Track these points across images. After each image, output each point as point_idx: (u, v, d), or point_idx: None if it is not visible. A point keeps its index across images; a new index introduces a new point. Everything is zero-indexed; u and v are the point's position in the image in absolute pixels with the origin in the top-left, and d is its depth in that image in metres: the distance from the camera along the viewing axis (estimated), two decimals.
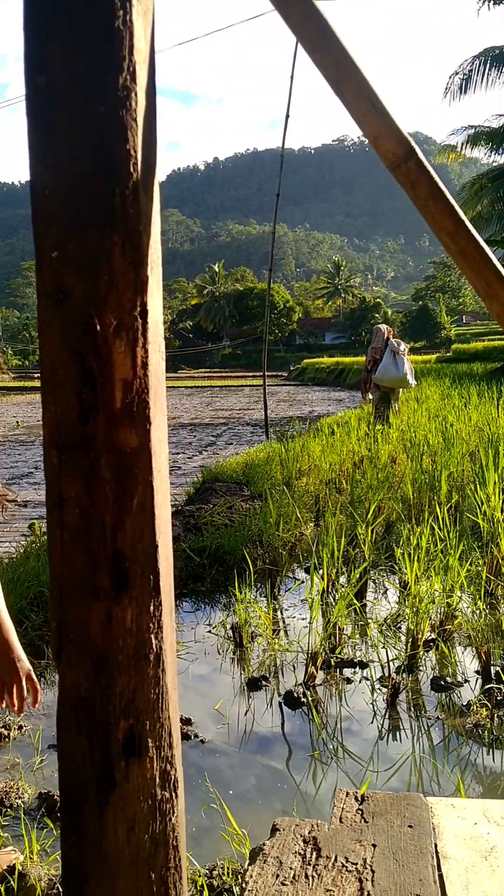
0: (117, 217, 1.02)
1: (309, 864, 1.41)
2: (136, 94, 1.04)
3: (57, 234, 1.03)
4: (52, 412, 1.06)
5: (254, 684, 3.68)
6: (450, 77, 24.53)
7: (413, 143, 1.37)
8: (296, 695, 3.49)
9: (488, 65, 23.40)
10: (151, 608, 1.10)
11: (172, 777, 1.14)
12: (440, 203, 1.38)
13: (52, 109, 1.02)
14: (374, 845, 1.46)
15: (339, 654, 3.90)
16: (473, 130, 25.70)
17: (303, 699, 3.47)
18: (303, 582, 5.19)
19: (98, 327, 1.03)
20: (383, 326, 11.37)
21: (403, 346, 10.93)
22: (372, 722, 3.32)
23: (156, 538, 1.11)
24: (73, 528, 1.06)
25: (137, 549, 1.09)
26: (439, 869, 1.40)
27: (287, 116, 10.33)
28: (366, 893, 1.32)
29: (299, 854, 1.44)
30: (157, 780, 1.12)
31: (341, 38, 1.32)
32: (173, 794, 1.15)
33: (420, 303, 77.17)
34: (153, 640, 1.11)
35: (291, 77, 9.72)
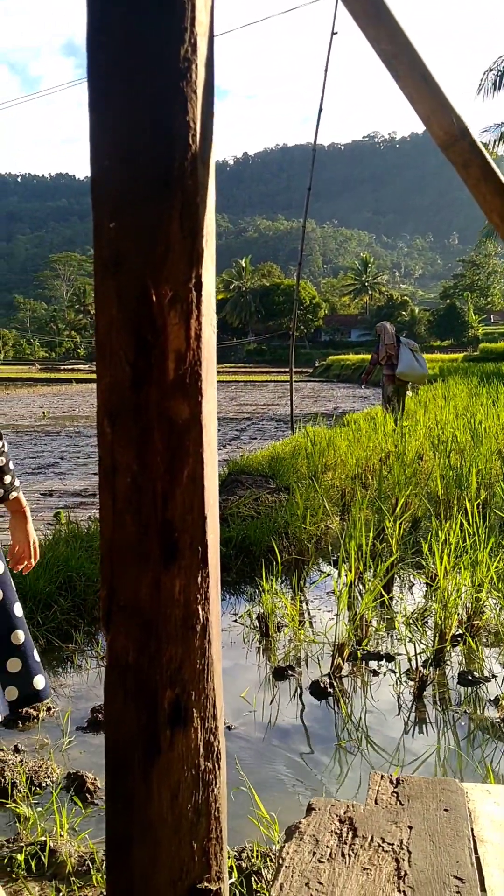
0: (175, 188, 1.03)
1: (345, 843, 1.42)
2: (196, 67, 1.04)
3: (115, 204, 1.03)
4: (106, 381, 1.07)
5: (279, 674, 3.69)
6: (484, 73, 24.33)
7: (466, 123, 1.36)
8: (322, 685, 3.49)
9: None
10: (199, 579, 1.11)
11: (215, 748, 1.15)
12: (492, 184, 1.37)
13: (112, 78, 1.02)
14: (409, 827, 1.46)
15: (366, 646, 3.89)
16: None
17: (329, 689, 3.47)
18: (328, 575, 5.19)
19: (154, 298, 1.04)
20: (389, 325, 11.86)
21: (415, 345, 11.72)
22: (398, 714, 3.31)
23: (205, 510, 1.11)
24: (124, 495, 1.07)
25: (187, 520, 1.09)
26: (476, 852, 1.40)
27: (320, 109, 10.29)
28: (403, 873, 1.32)
29: (335, 833, 1.45)
30: (201, 750, 1.13)
31: (395, 12, 1.31)
32: (216, 766, 1.15)
33: (448, 301, 76.69)
34: (200, 612, 1.11)
35: (326, 69, 9.68)
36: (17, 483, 2.27)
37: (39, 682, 2.17)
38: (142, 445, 1.07)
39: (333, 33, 9.73)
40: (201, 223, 1.07)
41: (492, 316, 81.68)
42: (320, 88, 10.30)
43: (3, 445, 2.18)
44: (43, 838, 2.34)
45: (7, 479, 2.22)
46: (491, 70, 24.07)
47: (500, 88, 23.54)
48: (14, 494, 2.27)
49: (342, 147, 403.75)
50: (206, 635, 1.12)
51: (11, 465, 2.25)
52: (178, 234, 1.04)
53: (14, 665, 2.13)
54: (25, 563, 2.39)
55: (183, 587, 1.10)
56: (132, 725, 1.09)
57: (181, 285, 1.05)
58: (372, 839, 1.42)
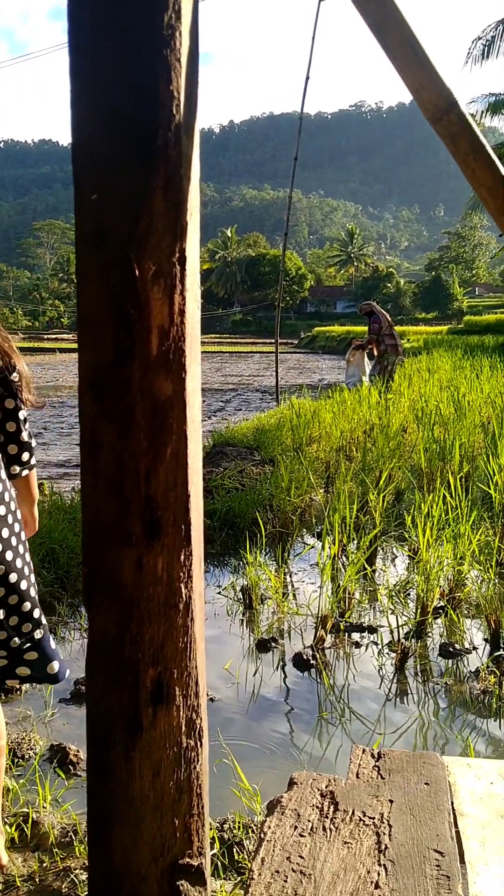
0: (159, 158, 1.01)
1: (326, 817, 1.43)
2: (180, 34, 1.01)
3: (98, 175, 1.01)
4: (89, 356, 1.05)
5: (263, 646, 3.70)
6: (472, 42, 24.02)
7: (455, 96, 1.34)
8: (305, 657, 3.51)
9: None
10: (182, 557, 1.10)
11: (198, 726, 1.15)
12: (481, 158, 1.35)
13: (94, 46, 1.00)
14: (391, 801, 1.47)
15: (349, 618, 3.92)
16: (494, 98, 25.22)
17: (312, 661, 3.49)
18: (312, 547, 5.20)
19: (137, 272, 1.02)
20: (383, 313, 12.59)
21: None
22: (380, 686, 3.34)
23: (188, 488, 1.10)
24: (107, 474, 1.06)
25: (170, 498, 1.08)
26: (456, 826, 1.42)
27: (307, 78, 10.16)
28: (383, 847, 1.33)
29: (317, 807, 1.46)
30: (183, 728, 1.13)
31: None
32: (198, 743, 1.16)
33: (433, 273, 76.48)
34: (183, 590, 1.11)
35: (313, 37, 9.54)
36: (33, 461, 2.21)
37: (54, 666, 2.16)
38: (125, 422, 1.05)
39: (321, 0, 9.58)
40: (186, 196, 1.05)
41: (476, 288, 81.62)
42: (307, 56, 10.16)
43: (23, 417, 2.10)
44: (25, 810, 2.35)
45: (25, 456, 2.15)
46: (480, 39, 23.77)
47: (488, 58, 23.27)
48: (25, 472, 2.21)
49: (329, 116, 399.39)
50: (188, 613, 1.12)
51: (34, 442, 2.18)
52: (161, 207, 1.02)
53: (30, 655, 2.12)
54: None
55: (166, 565, 1.09)
56: (114, 704, 1.08)
57: (165, 259, 1.03)
58: (353, 813, 1.44)
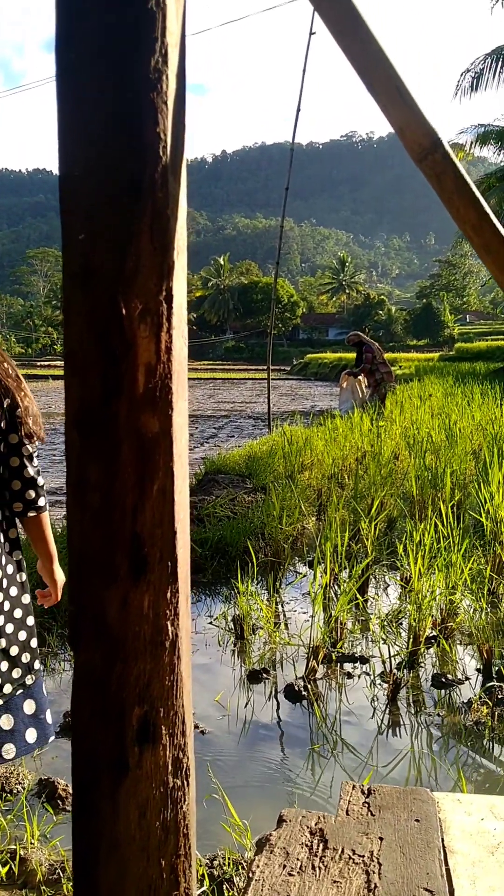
0: (146, 199, 1.02)
1: (316, 856, 1.41)
2: (167, 77, 1.03)
3: (85, 216, 1.02)
4: (75, 394, 1.05)
5: (254, 677, 3.68)
6: (461, 74, 24.39)
7: (440, 135, 1.36)
8: (296, 688, 3.49)
9: (500, 63, 23.27)
10: (168, 594, 1.10)
11: (185, 765, 1.14)
12: (465, 196, 1.37)
13: (82, 89, 1.01)
14: (381, 838, 1.45)
15: (341, 648, 3.90)
16: (483, 129, 25.58)
17: (303, 692, 3.47)
18: (304, 576, 5.19)
19: (123, 310, 1.02)
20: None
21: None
22: (372, 717, 3.32)
23: (175, 524, 1.10)
24: (93, 510, 1.06)
25: (156, 534, 1.08)
26: (446, 863, 1.40)
27: (298, 109, 10.29)
28: (373, 886, 1.32)
29: (306, 845, 1.44)
30: (170, 767, 1.11)
31: (369, 23, 1.30)
32: (185, 783, 1.14)
33: (424, 301, 77.01)
34: (169, 627, 1.10)
35: (304, 69, 9.68)
36: (42, 502, 2.10)
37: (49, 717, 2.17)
38: (111, 459, 1.05)
39: (311, 33, 9.74)
40: (172, 236, 1.06)
41: (467, 316, 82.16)
42: (298, 87, 10.31)
43: (34, 453, 2.04)
44: (13, 846, 2.32)
45: (31, 493, 2.08)
46: (468, 71, 24.15)
47: (476, 90, 23.63)
48: (33, 514, 2.11)
49: (320, 146, 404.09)
50: (175, 651, 1.11)
51: (41, 480, 2.10)
52: (148, 247, 1.03)
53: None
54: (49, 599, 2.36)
55: (152, 602, 1.09)
56: (100, 743, 1.07)
57: (152, 298, 1.04)
58: (343, 851, 1.42)
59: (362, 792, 1.63)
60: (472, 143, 25.69)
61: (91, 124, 1.01)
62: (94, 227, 1.02)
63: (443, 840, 1.48)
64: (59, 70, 1.02)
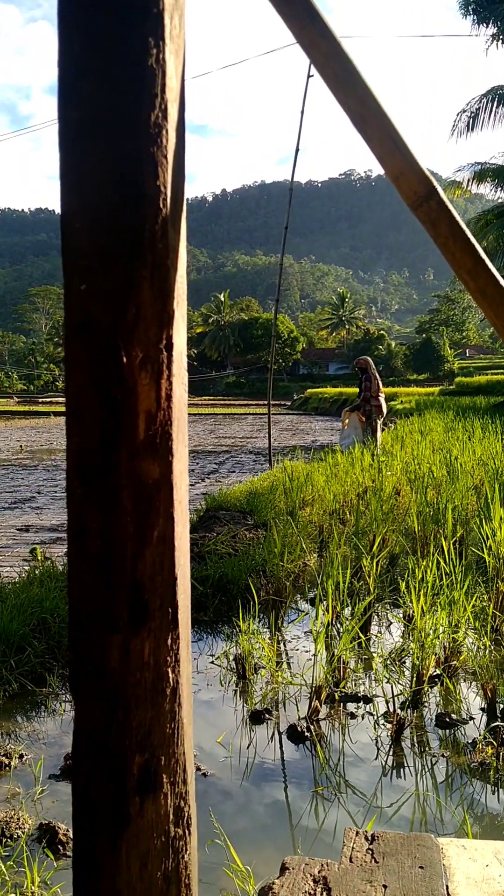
0: (146, 251, 1.03)
1: None
2: (166, 131, 1.05)
3: (86, 267, 1.04)
4: (76, 441, 1.06)
5: (256, 717, 3.65)
6: (457, 114, 24.83)
7: (434, 182, 1.38)
8: (299, 729, 3.45)
9: (496, 103, 23.69)
10: (169, 641, 1.10)
11: (186, 814, 1.13)
12: (460, 242, 1.39)
13: (84, 144, 1.03)
14: (384, 886, 1.43)
15: (343, 688, 3.86)
16: (480, 167, 25.95)
17: (306, 734, 3.43)
18: (307, 613, 5.16)
19: (124, 359, 1.04)
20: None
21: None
22: (376, 758, 3.28)
23: (175, 570, 1.10)
24: (93, 558, 1.06)
25: (157, 581, 1.08)
26: None
27: (297, 150, 10.45)
28: None
29: (309, 894, 1.42)
30: (171, 816, 1.10)
31: (365, 77, 1.34)
32: (186, 832, 1.13)
33: (424, 335, 77.47)
34: (170, 674, 1.10)
35: (302, 112, 9.85)
36: None
37: None
38: (111, 506, 1.06)
39: (310, 76, 9.93)
40: (172, 286, 1.07)
41: (467, 350, 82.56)
42: (297, 127, 10.48)
43: None
44: (13, 894, 2.28)
45: None
46: (464, 111, 24.58)
47: (473, 129, 24.03)
48: None
49: (319, 184, 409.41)
50: (176, 698, 1.11)
51: None
52: (148, 298, 1.04)
53: None
54: None
55: (153, 650, 1.08)
56: (100, 793, 1.07)
57: (152, 347, 1.06)
58: None
59: (366, 838, 1.61)
60: (469, 180, 26.07)
61: (92, 178, 1.03)
62: (95, 278, 1.03)
63: (447, 887, 1.45)
64: (62, 125, 1.05)
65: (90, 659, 1.06)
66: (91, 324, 1.04)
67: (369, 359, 13.01)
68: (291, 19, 1.31)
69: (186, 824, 1.13)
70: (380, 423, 12.54)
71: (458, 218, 1.39)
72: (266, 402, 13.59)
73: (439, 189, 1.38)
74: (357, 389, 13.38)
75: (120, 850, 1.08)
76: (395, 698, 3.60)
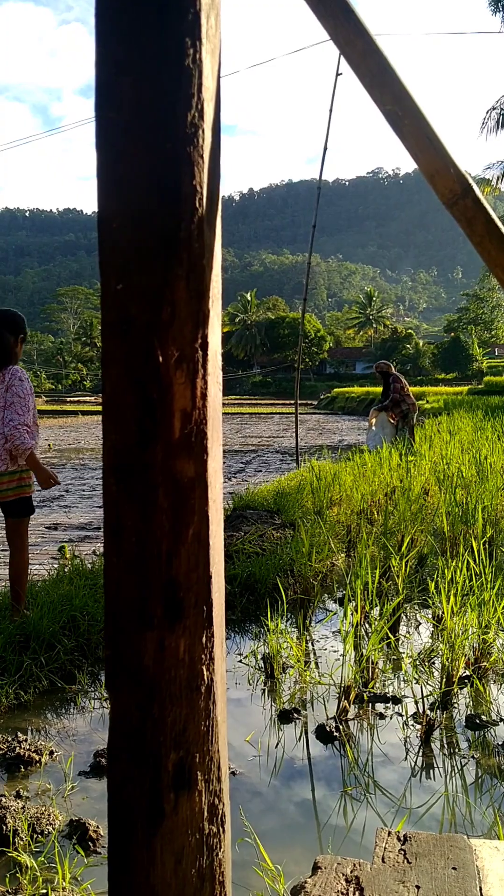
0: (182, 250, 1.04)
1: None
2: (203, 131, 1.06)
3: (122, 266, 1.04)
4: (112, 439, 1.07)
5: (285, 716, 3.64)
6: (487, 112, 24.65)
7: (470, 180, 1.37)
8: (328, 729, 3.44)
9: None
10: (204, 639, 1.10)
11: (220, 811, 1.13)
12: (497, 239, 1.38)
13: (121, 143, 1.04)
14: (417, 887, 1.43)
15: (372, 688, 3.85)
16: None
17: (335, 733, 3.43)
18: (335, 613, 5.15)
19: (160, 358, 1.04)
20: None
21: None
22: (405, 759, 3.27)
23: (210, 569, 1.11)
24: (129, 555, 1.07)
25: (192, 579, 1.09)
26: None
27: (325, 148, 10.42)
28: None
29: (342, 893, 1.42)
30: (206, 813, 1.11)
31: (401, 74, 1.33)
32: (220, 829, 1.14)
33: (452, 334, 76.90)
34: (205, 672, 1.10)
35: (330, 110, 9.83)
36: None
37: None
38: (147, 504, 1.07)
39: (338, 74, 9.90)
40: (208, 285, 1.08)
41: (496, 349, 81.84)
42: (325, 126, 10.45)
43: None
44: (44, 890, 2.30)
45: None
46: (494, 109, 24.40)
47: (502, 127, 23.83)
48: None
49: (346, 183, 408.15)
50: (210, 696, 1.11)
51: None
52: (184, 296, 1.05)
53: None
54: None
55: (188, 647, 1.09)
56: (135, 790, 1.07)
57: (187, 346, 1.06)
58: None
59: (398, 839, 1.60)
60: (498, 178, 25.87)
61: (129, 178, 1.04)
62: (131, 278, 1.04)
63: (481, 889, 1.45)
64: (99, 126, 1.05)
65: (126, 655, 1.07)
66: (127, 323, 1.05)
67: (388, 362, 13.33)
68: (326, 17, 1.31)
69: (220, 822, 1.13)
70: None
71: (494, 216, 1.38)
72: (293, 402, 13.59)
73: (475, 187, 1.38)
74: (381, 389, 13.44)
75: (154, 846, 1.08)
76: (425, 699, 3.58)
